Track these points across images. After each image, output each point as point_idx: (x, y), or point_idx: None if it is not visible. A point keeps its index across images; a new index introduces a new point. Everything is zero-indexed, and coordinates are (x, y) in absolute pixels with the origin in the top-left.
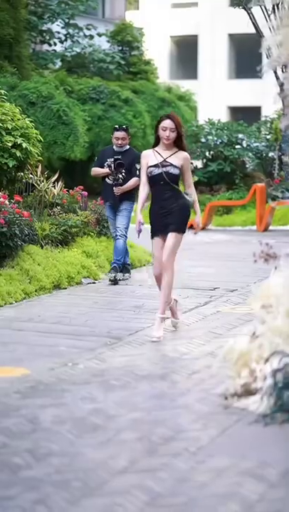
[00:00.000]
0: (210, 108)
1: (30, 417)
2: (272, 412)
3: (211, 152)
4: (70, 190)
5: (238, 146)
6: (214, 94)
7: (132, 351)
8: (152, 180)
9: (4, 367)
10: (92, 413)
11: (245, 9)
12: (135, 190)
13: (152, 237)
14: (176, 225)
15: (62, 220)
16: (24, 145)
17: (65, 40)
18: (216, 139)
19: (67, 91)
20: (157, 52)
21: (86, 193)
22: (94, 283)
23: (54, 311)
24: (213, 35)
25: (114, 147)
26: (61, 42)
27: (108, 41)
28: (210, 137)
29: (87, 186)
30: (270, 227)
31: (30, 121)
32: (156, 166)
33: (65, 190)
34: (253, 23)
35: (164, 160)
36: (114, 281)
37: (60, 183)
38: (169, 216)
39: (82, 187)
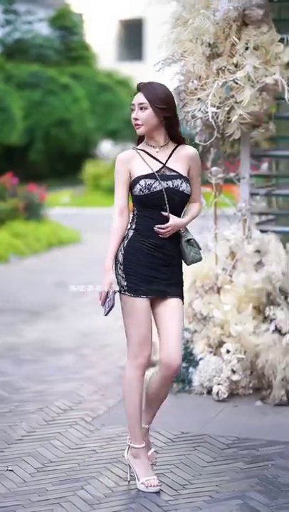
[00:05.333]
0: None
1: None
2: None
3: None
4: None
5: None
6: (162, 77)
7: (49, 326)
8: (146, 201)
9: None
10: None
11: None
12: None
13: (134, 293)
14: (180, 288)
15: None
16: None
17: (5, 25)
18: None
19: (6, 77)
20: (103, 35)
21: (16, 180)
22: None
23: None
24: (160, 17)
25: None
26: (2, 27)
27: (49, 26)
28: None
29: (25, 172)
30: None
31: None
32: (151, 176)
33: None
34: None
35: (164, 166)
36: None
37: None
38: (169, 269)
39: (12, 173)
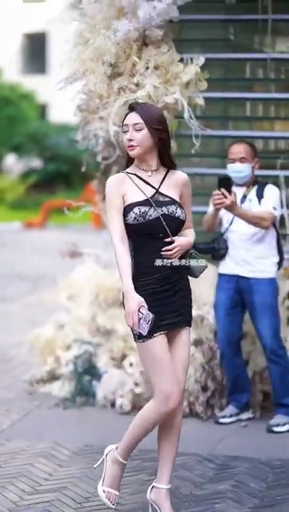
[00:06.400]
0: (63, 104)
1: None
2: (72, 395)
3: (50, 152)
4: None
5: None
6: (65, 91)
7: None
8: (141, 230)
9: None
10: None
11: None
12: None
13: (149, 336)
14: (190, 316)
15: None
16: None
17: None
18: (55, 139)
19: None
20: (6, 48)
21: None
22: None
23: None
24: (64, 31)
25: None
26: None
27: None
28: (50, 138)
29: None
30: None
31: None
32: (146, 203)
33: None
34: None
35: (157, 191)
36: None
37: None
38: (179, 298)
39: None
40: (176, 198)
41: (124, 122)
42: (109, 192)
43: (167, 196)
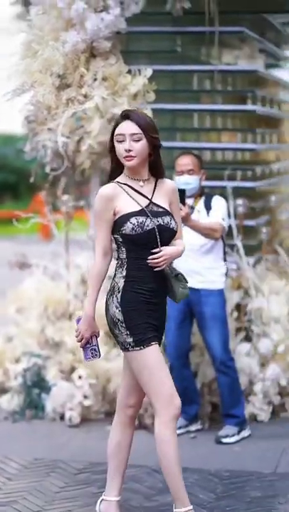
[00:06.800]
0: (9, 115)
1: None
2: (21, 408)
3: None
4: None
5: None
6: (12, 102)
7: None
8: (138, 240)
9: None
10: None
11: None
12: None
13: (143, 344)
14: (163, 333)
15: None
16: None
17: None
18: (2, 149)
19: None
20: None
21: None
22: None
23: None
24: (10, 42)
25: None
26: None
27: None
28: None
29: None
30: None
31: None
32: (142, 213)
33: None
34: None
35: (151, 201)
36: None
37: None
38: (161, 314)
39: None
40: (168, 208)
41: (120, 132)
42: (99, 204)
43: (160, 207)
